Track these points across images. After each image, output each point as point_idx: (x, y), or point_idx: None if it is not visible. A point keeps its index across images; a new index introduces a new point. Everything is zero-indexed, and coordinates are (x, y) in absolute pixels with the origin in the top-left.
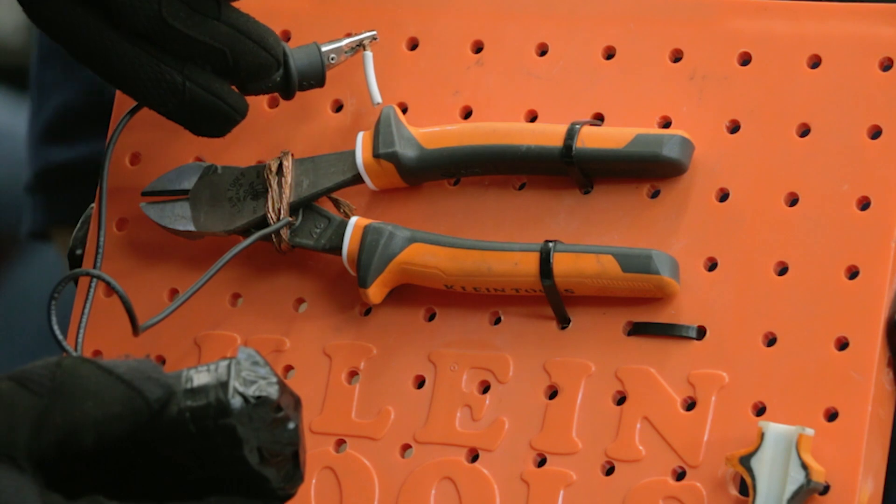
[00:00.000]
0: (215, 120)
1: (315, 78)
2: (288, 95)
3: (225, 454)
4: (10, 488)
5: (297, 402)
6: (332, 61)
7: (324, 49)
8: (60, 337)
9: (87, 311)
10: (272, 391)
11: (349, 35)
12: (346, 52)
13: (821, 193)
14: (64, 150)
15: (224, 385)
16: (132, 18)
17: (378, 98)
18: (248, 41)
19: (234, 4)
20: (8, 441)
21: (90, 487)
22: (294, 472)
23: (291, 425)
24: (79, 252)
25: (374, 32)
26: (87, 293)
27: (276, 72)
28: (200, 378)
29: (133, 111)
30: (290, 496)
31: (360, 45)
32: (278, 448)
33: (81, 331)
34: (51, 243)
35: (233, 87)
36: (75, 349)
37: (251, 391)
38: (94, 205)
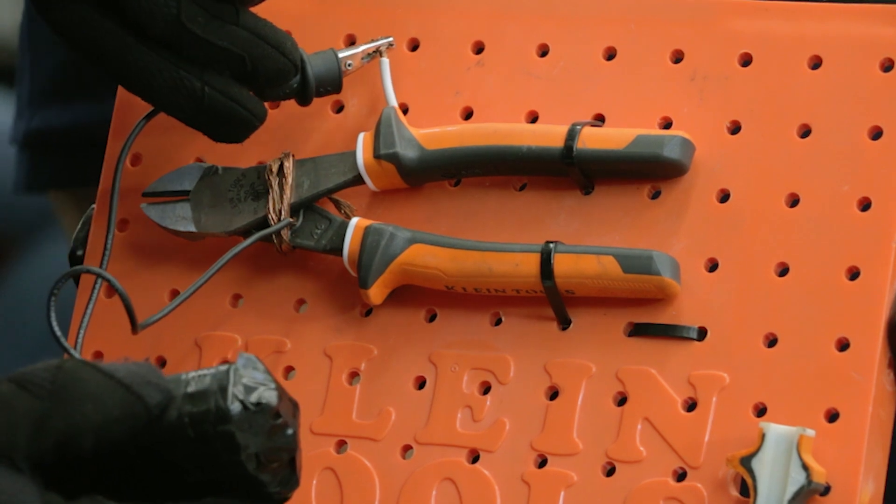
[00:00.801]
0: (234, 125)
1: (332, 84)
2: (305, 102)
3: (223, 459)
4: (9, 488)
5: (295, 408)
6: (349, 67)
7: (341, 55)
8: (59, 333)
9: (90, 309)
10: (271, 398)
11: (351, 38)
12: (362, 59)
13: (821, 194)
14: (58, 113)
15: (224, 391)
16: (150, 23)
17: (394, 102)
18: (267, 46)
19: (252, 10)
20: (7, 443)
21: (88, 488)
22: (290, 477)
23: (290, 431)
24: (80, 253)
25: (390, 39)
26: (90, 292)
27: (293, 77)
28: (200, 383)
29: (150, 116)
30: (285, 500)
31: (377, 52)
32: (276, 454)
33: (82, 330)
34: (45, 197)
35: (251, 93)
36: (74, 347)
37: (251, 398)
38: (94, 206)
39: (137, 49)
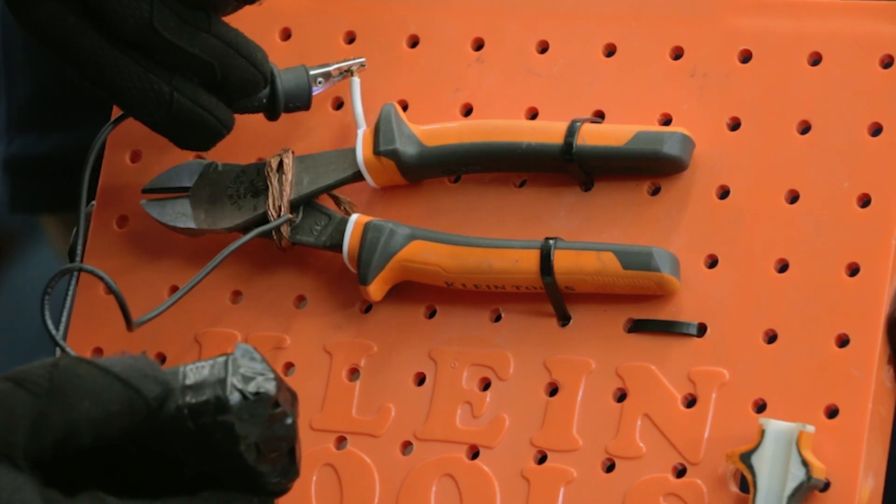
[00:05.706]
0: (202, 132)
1: (301, 100)
2: (273, 116)
3: (222, 450)
4: (10, 487)
5: (293, 397)
6: (320, 84)
7: (312, 72)
8: (53, 331)
9: (68, 303)
10: (270, 387)
11: (351, 35)
12: (334, 77)
13: (821, 191)
14: (34, 142)
15: (222, 382)
16: (122, 26)
17: (363, 124)
18: (237, 56)
19: (225, 19)
20: (6, 442)
21: (87, 484)
22: (290, 467)
23: (289, 420)
24: (78, 250)
25: (362, 59)
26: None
27: (262, 89)
28: (198, 374)
29: (118, 120)
30: (286, 490)
31: (348, 71)
32: (275, 443)
33: (62, 323)
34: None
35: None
36: (62, 337)
37: (249, 387)
38: (94, 203)
39: (109, 51)
